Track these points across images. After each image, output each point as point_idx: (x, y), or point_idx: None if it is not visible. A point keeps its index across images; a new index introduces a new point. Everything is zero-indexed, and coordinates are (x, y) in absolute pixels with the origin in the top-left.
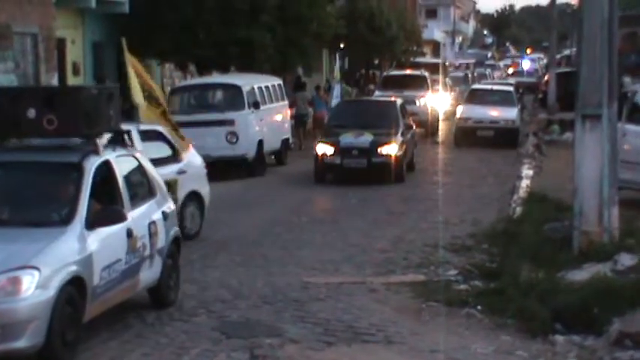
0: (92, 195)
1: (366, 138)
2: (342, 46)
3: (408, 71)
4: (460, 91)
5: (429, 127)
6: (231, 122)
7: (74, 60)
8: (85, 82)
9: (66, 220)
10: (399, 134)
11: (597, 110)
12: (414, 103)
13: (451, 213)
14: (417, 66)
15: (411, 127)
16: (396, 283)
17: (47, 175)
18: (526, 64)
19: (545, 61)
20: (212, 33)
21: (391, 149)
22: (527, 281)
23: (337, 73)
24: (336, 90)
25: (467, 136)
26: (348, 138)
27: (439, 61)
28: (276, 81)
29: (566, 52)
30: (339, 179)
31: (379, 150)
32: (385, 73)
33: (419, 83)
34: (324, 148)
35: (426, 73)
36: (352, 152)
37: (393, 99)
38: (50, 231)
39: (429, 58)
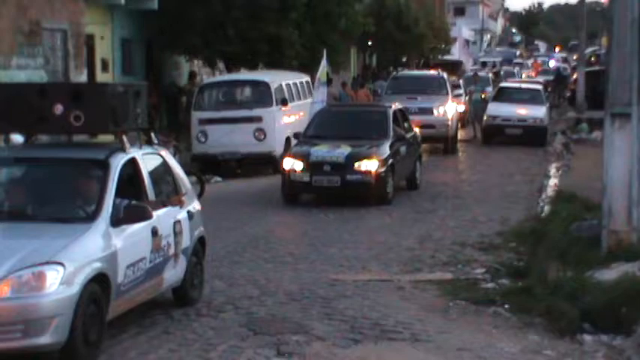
0: (118, 192)
1: (342, 151)
2: (369, 43)
3: (426, 71)
4: (469, 91)
5: (448, 143)
6: (258, 119)
7: (103, 56)
8: (114, 79)
9: (91, 217)
10: (386, 146)
11: (626, 109)
12: (431, 113)
13: (479, 211)
14: (433, 66)
15: (404, 138)
16: (423, 281)
17: (73, 171)
18: (551, 63)
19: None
20: (241, 29)
21: (371, 164)
22: (555, 280)
23: (322, 74)
24: (322, 93)
25: (495, 134)
26: (320, 151)
27: (462, 59)
28: (304, 78)
29: (592, 48)
30: (308, 200)
31: (356, 165)
32: (394, 74)
33: (437, 87)
34: (291, 163)
35: (445, 74)
36: (324, 168)
37: (386, 104)
38: (75, 227)
39: (448, 57)
